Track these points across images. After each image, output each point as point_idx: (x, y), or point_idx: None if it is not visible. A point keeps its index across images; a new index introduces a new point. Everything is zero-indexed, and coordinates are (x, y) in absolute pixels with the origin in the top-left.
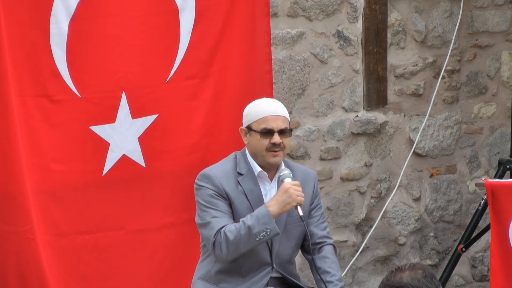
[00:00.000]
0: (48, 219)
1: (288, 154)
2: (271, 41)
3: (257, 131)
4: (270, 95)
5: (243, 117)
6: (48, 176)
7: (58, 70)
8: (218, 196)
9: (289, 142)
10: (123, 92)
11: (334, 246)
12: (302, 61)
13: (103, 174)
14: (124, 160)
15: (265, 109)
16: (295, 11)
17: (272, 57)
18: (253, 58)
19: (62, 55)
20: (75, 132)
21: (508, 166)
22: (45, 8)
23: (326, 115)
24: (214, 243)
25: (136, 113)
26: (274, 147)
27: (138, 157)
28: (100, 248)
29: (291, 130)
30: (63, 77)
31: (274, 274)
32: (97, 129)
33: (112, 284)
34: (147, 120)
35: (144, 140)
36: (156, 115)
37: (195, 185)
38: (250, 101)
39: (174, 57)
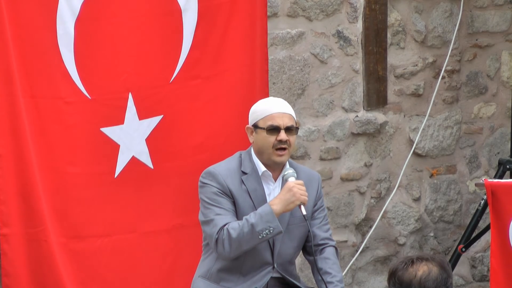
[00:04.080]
0: (66, 222)
1: None
2: (271, 41)
3: (263, 128)
4: (266, 95)
5: (250, 116)
6: (64, 179)
7: (68, 71)
8: (222, 193)
9: (295, 140)
10: (130, 93)
11: (336, 248)
12: (302, 61)
13: (115, 176)
14: (133, 162)
15: (271, 107)
16: (295, 11)
17: (272, 57)
18: (253, 58)
19: (71, 56)
20: (87, 134)
21: (508, 166)
22: (50, 9)
23: (326, 115)
24: (217, 240)
25: (142, 114)
26: (280, 144)
27: (146, 158)
28: (117, 251)
29: (297, 128)
30: (73, 79)
31: (275, 274)
32: (107, 130)
33: (133, 287)
34: (153, 121)
35: (151, 141)
36: (161, 116)
37: (199, 183)
38: (250, 102)
39: (177, 58)
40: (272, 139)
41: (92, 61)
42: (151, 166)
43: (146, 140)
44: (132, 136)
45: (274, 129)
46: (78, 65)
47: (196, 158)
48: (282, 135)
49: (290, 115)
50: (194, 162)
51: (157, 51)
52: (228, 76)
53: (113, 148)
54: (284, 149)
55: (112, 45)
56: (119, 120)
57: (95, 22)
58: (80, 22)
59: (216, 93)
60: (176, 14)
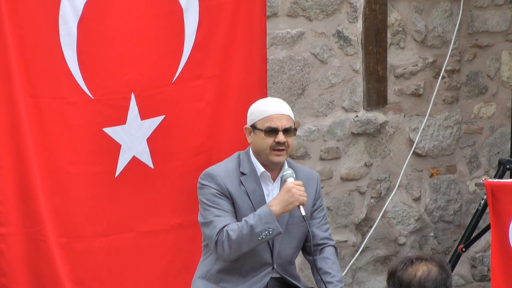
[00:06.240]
0: (67, 222)
1: None
2: (271, 41)
3: (261, 130)
4: (265, 95)
5: (248, 116)
6: (65, 179)
7: (70, 71)
8: (221, 195)
9: (293, 141)
10: (132, 93)
11: (335, 248)
12: (302, 61)
13: (115, 176)
14: (134, 161)
15: (270, 108)
16: (295, 11)
17: (272, 57)
18: (252, 58)
19: (73, 56)
20: (89, 134)
21: (508, 166)
22: (52, 9)
23: (326, 115)
24: (216, 242)
25: (144, 114)
26: (278, 146)
27: (146, 158)
28: (115, 250)
29: (295, 129)
30: (76, 79)
31: (275, 275)
32: (109, 130)
33: (129, 287)
34: (155, 121)
35: (152, 141)
36: (163, 116)
37: (198, 184)
38: (250, 102)
39: (179, 58)
40: (270, 140)
41: (95, 61)
42: (151, 166)
43: (147, 140)
44: (133, 136)
45: (272, 131)
46: (81, 65)
47: (196, 158)
48: (280, 137)
49: (289, 116)
50: (195, 162)
51: (159, 51)
52: (229, 76)
53: (115, 148)
54: (282, 149)
55: (115, 45)
56: (121, 120)
57: (98, 22)
58: (83, 22)
59: (218, 93)
60: (178, 14)
